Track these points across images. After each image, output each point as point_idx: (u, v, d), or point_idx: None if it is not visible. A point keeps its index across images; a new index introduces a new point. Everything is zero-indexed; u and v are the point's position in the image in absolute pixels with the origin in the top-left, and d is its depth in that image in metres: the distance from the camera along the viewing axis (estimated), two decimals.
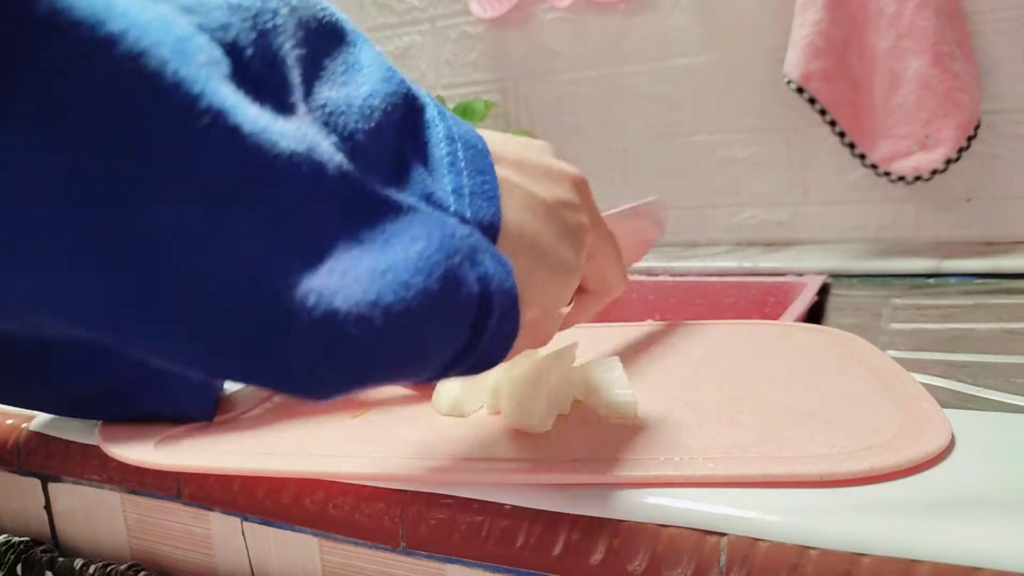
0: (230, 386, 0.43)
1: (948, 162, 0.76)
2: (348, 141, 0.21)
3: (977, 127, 0.77)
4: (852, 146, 0.80)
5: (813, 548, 0.24)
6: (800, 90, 0.79)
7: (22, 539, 0.42)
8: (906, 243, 0.88)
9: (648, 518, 0.27)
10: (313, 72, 0.21)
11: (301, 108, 0.20)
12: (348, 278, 0.19)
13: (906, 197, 0.87)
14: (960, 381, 0.41)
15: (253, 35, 0.18)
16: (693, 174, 0.98)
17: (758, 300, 0.76)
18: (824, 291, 0.71)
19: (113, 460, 0.36)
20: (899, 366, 0.39)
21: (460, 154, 0.25)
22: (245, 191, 0.17)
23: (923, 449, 0.28)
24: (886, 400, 0.34)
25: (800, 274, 0.77)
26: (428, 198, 0.23)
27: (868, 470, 0.27)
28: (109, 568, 0.38)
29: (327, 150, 0.20)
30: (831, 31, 0.78)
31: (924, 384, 0.36)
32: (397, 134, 0.23)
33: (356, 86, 0.22)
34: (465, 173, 0.25)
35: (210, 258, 0.17)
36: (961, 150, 0.76)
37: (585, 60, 1.02)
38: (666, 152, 0.99)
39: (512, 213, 0.26)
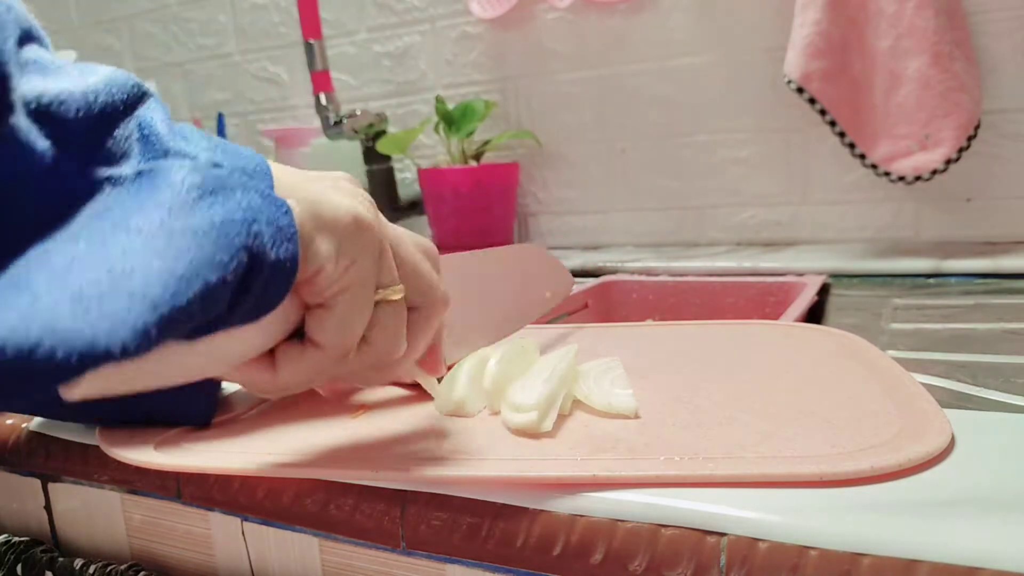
0: (228, 387, 0.43)
1: (948, 162, 0.76)
2: (63, 128, 0.21)
3: (977, 127, 0.77)
4: (852, 146, 0.80)
5: (813, 548, 0.24)
6: (800, 90, 0.79)
7: (22, 539, 0.42)
8: (906, 243, 0.88)
9: (648, 518, 0.27)
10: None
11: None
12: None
13: (906, 197, 0.87)
14: (960, 381, 0.41)
15: None
16: (693, 174, 0.98)
17: (758, 300, 0.76)
18: (824, 291, 0.71)
19: (113, 460, 0.35)
20: (899, 366, 0.39)
21: (204, 132, 0.25)
22: None
23: (923, 449, 0.28)
24: (886, 400, 0.34)
25: (800, 274, 0.77)
26: (166, 153, 0.23)
27: (868, 470, 0.27)
28: (109, 568, 0.38)
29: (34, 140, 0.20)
30: (831, 31, 0.78)
31: (924, 384, 0.36)
32: (125, 116, 0.23)
33: (75, 78, 0.22)
34: (214, 140, 0.25)
35: None
36: (961, 150, 0.76)
37: (585, 60, 1.02)
38: (666, 152, 0.99)
39: (275, 171, 0.26)
